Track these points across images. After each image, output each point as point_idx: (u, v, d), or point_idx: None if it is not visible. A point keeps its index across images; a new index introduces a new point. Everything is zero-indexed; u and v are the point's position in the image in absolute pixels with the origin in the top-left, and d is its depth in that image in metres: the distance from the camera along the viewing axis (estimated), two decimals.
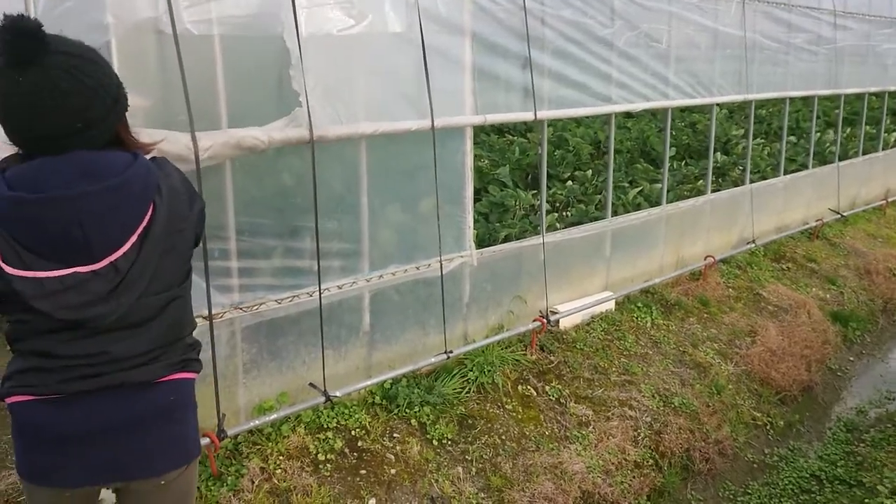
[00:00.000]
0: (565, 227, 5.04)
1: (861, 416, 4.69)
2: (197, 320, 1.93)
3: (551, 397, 3.86)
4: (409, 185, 3.52)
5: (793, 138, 7.62)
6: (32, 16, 2.19)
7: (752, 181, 6.14)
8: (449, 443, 3.38)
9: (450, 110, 3.48)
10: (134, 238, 1.53)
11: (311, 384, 3.18)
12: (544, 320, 4.13)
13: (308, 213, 3.04)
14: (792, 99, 6.67)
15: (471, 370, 3.79)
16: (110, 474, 1.66)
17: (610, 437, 3.69)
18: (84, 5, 2.35)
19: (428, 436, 3.38)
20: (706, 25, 5.23)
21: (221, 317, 2.87)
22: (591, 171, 6.45)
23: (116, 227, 1.52)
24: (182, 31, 2.49)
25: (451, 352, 3.66)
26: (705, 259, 5.53)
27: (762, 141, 7.75)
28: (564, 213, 5.72)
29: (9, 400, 1.62)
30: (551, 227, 5.28)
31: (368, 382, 3.39)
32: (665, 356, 4.48)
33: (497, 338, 3.94)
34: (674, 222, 5.30)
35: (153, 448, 1.68)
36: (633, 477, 3.54)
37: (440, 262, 3.56)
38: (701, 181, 6.12)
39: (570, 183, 6.25)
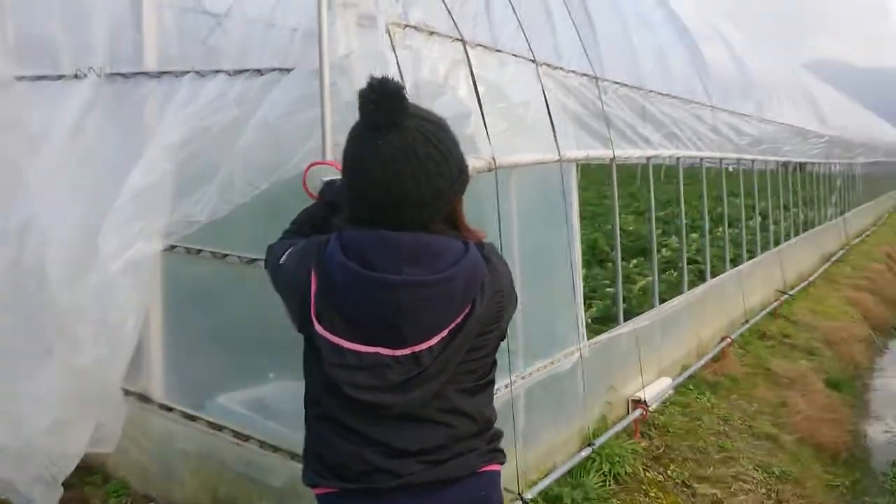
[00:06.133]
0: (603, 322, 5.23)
1: None
2: None
3: (676, 481, 3.86)
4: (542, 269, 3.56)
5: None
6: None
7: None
8: None
9: None
10: (444, 333, 1.43)
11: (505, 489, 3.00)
12: (645, 407, 4.18)
13: None
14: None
15: (602, 464, 3.72)
16: None
17: None
18: None
19: None
20: None
21: None
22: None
23: (431, 319, 1.44)
24: None
25: (593, 443, 3.60)
26: (722, 340, 5.88)
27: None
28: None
29: (316, 491, 1.52)
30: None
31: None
32: (739, 431, 4.63)
33: (616, 429, 3.93)
34: (694, 309, 5.64)
35: None
36: None
37: (580, 351, 3.57)
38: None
39: None
